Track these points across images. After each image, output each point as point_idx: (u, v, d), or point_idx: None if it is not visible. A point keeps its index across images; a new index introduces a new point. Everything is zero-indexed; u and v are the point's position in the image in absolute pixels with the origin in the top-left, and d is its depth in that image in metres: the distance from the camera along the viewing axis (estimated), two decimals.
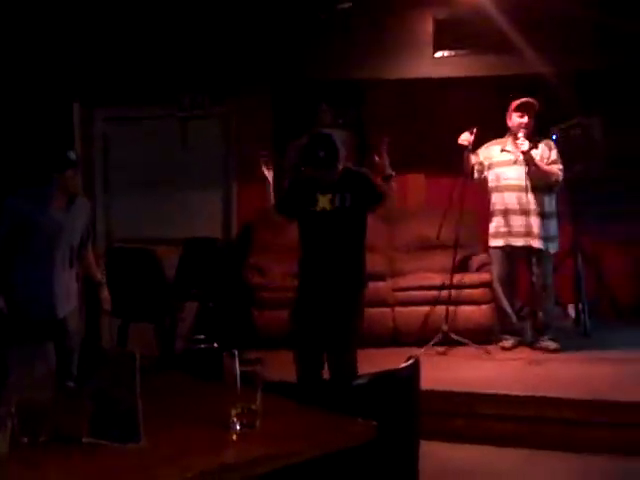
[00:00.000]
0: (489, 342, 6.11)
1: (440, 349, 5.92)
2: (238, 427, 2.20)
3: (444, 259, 6.74)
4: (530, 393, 4.94)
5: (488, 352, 5.89)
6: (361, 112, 7.71)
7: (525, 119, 5.82)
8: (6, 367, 2.21)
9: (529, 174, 5.78)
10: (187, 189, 7.54)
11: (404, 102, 7.56)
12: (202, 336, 6.13)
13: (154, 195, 7.56)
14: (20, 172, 6.20)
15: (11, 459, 1.97)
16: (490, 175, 5.99)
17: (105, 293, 4.90)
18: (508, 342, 6.08)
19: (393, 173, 4.55)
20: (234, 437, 2.17)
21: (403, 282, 6.56)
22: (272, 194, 4.67)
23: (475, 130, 5.81)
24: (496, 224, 5.97)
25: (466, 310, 6.15)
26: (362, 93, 7.66)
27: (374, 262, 6.67)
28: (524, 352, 5.95)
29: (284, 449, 2.10)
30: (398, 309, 6.42)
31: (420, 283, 6.50)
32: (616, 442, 4.58)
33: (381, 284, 6.47)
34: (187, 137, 7.69)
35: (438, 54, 7.12)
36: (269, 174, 4.70)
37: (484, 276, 6.27)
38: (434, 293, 6.37)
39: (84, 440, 2.13)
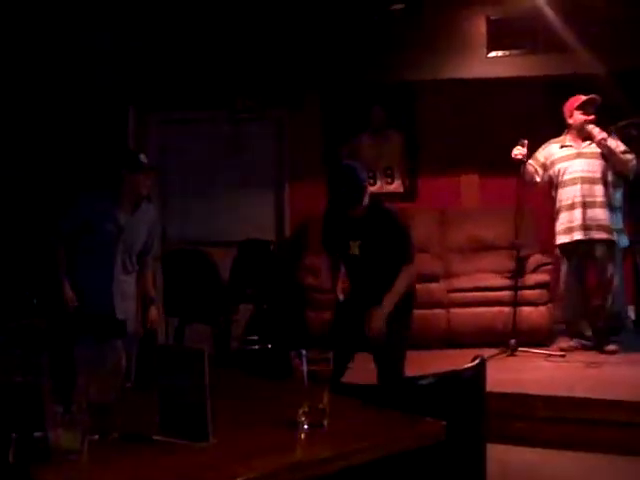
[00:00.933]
0: (547, 344, 6.02)
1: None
2: (306, 426, 2.19)
3: (498, 260, 6.71)
4: (589, 395, 4.86)
5: (550, 355, 5.81)
6: (414, 114, 7.69)
7: (590, 117, 5.78)
8: (74, 365, 2.23)
9: (602, 167, 5.72)
10: (240, 191, 7.59)
11: (457, 103, 7.52)
12: (256, 337, 6.17)
13: (208, 197, 7.61)
14: (87, 173, 6.33)
15: (83, 456, 1.99)
16: (552, 172, 5.92)
17: (154, 313, 4.83)
18: (566, 343, 5.99)
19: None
20: (302, 436, 2.17)
21: (457, 283, 6.52)
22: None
23: (526, 142, 5.81)
24: (562, 220, 5.87)
25: (524, 311, 6.05)
26: (415, 95, 7.63)
27: (428, 263, 6.69)
28: (584, 354, 5.84)
29: (352, 448, 2.09)
30: (453, 310, 6.38)
31: (475, 284, 6.45)
32: None
33: (435, 285, 6.45)
34: (240, 140, 7.73)
35: (492, 54, 7.07)
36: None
37: (541, 277, 6.19)
38: (489, 294, 6.33)
39: (154, 437, 2.14)
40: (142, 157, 4.55)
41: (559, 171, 5.89)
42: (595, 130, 5.75)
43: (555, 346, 6.03)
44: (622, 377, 5.29)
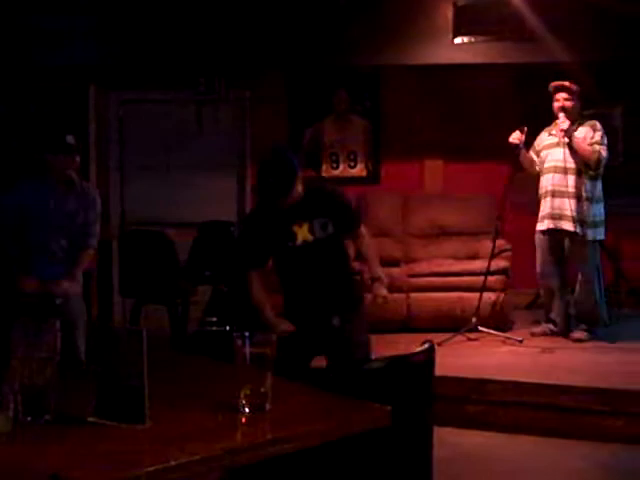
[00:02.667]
0: (504, 330, 6.04)
1: (471, 335, 5.89)
2: (247, 410, 2.15)
3: (459, 246, 6.71)
4: (540, 381, 4.90)
5: (507, 339, 5.84)
6: (379, 98, 7.65)
7: (560, 102, 5.75)
8: (8, 345, 2.16)
9: (570, 153, 5.71)
10: (202, 172, 7.50)
11: (422, 88, 7.50)
12: (214, 319, 6.11)
13: (169, 178, 7.53)
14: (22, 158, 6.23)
15: (14, 438, 1.93)
16: (539, 159, 5.93)
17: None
18: (539, 329, 6.02)
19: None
20: (243, 420, 2.12)
21: (418, 268, 6.50)
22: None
23: (525, 128, 5.77)
24: (542, 207, 5.87)
25: (483, 296, 6.04)
26: (380, 79, 7.60)
27: (389, 247, 6.67)
28: (545, 340, 5.86)
29: (293, 432, 2.05)
30: (413, 295, 6.37)
31: (435, 269, 6.44)
32: (626, 430, 4.54)
33: (395, 270, 6.42)
34: (202, 121, 7.65)
35: (457, 40, 7.02)
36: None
37: (501, 263, 6.19)
38: (449, 279, 6.33)
39: (89, 420, 2.09)
40: (69, 138, 4.41)
41: (543, 159, 5.90)
42: (559, 120, 5.73)
43: (526, 330, 6.06)
44: (573, 363, 5.31)
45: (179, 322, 6.15)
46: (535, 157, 5.96)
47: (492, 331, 5.89)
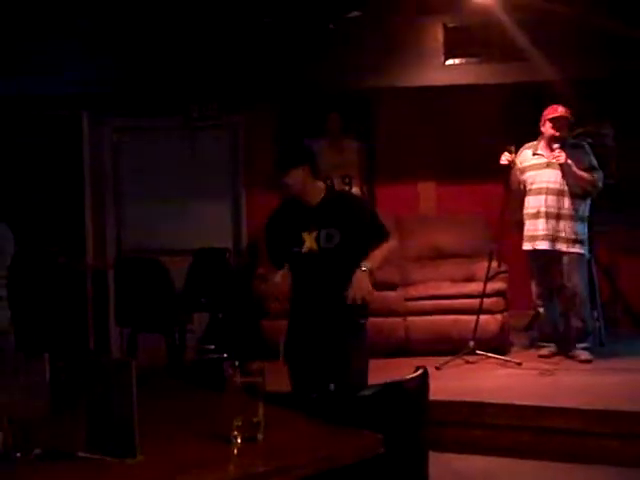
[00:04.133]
0: (503, 352, 6.01)
1: (470, 358, 5.85)
2: (239, 440, 2.13)
3: (455, 268, 6.69)
4: (540, 403, 4.86)
5: (506, 362, 5.81)
6: (371, 121, 7.67)
7: (558, 133, 5.75)
8: None
9: (568, 181, 5.72)
10: (196, 199, 7.51)
11: (415, 110, 7.52)
12: (211, 346, 6.09)
13: (164, 205, 7.53)
14: None
15: (3, 475, 1.90)
16: (524, 179, 5.91)
17: None
18: (546, 350, 6.00)
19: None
20: (235, 451, 2.10)
21: (415, 291, 6.48)
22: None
23: (513, 148, 5.78)
24: (527, 228, 5.88)
25: (480, 319, 6.02)
26: (372, 102, 7.62)
27: (385, 271, 6.64)
28: (550, 362, 5.82)
29: (286, 463, 2.03)
30: (410, 319, 6.34)
31: (432, 292, 6.42)
32: (627, 453, 4.49)
33: (392, 293, 6.41)
34: (196, 147, 7.66)
35: (449, 62, 7.07)
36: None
37: (497, 285, 6.18)
38: (446, 302, 6.31)
39: (79, 454, 2.06)
40: None
41: (528, 178, 5.89)
42: (556, 152, 5.72)
43: (525, 352, 6.07)
44: (573, 385, 5.29)
45: (176, 350, 6.12)
46: (518, 175, 5.95)
47: (490, 354, 5.86)
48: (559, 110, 5.78)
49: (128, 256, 7.26)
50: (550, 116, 5.78)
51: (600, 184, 5.75)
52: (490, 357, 5.84)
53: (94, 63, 7.14)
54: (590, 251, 6.00)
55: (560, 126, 5.76)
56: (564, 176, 5.73)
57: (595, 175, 5.74)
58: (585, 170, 5.74)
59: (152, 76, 7.20)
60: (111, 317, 6.99)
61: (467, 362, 5.81)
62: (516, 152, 5.81)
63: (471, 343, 5.81)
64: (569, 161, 5.69)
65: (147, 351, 6.11)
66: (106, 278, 7.17)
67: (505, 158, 5.78)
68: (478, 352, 5.82)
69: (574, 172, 5.70)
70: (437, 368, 5.50)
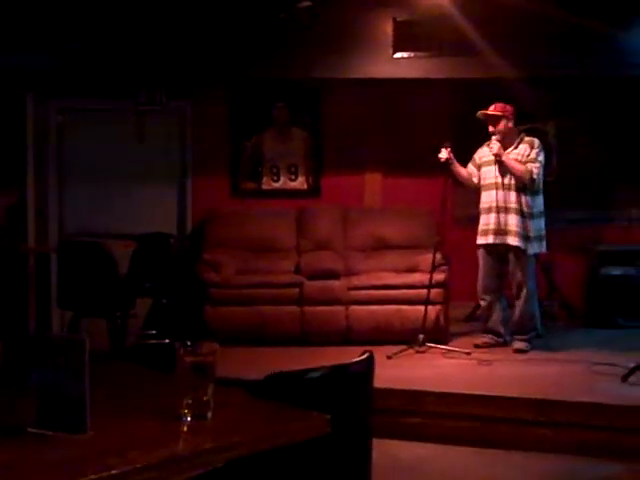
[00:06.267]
0: (444, 342, 6.12)
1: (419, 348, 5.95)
2: (189, 418, 2.16)
3: (398, 259, 6.78)
4: (476, 392, 4.97)
5: (452, 351, 5.93)
6: (319, 112, 7.71)
7: (490, 128, 5.92)
8: None
9: (503, 173, 5.88)
10: (142, 184, 7.47)
11: (362, 102, 7.59)
12: (154, 331, 6.07)
13: (108, 189, 7.47)
14: None
15: None
16: (480, 174, 6.08)
17: None
18: (480, 340, 6.13)
19: None
20: (184, 428, 2.13)
21: (357, 281, 6.56)
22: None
23: (447, 144, 5.92)
24: (481, 222, 6.02)
25: (421, 310, 6.11)
26: (320, 93, 7.66)
27: (329, 260, 6.71)
28: (487, 352, 5.96)
29: (235, 440, 2.06)
30: (352, 308, 6.41)
31: (374, 282, 6.50)
32: (560, 441, 4.63)
33: (335, 282, 6.48)
34: (143, 132, 7.61)
35: (397, 55, 7.13)
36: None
37: (439, 276, 6.28)
38: (388, 292, 6.40)
39: (29, 430, 2.07)
40: None
41: (483, 174, 6.04)
42: (491, 144, 5.88)
43: (466, 342, 6.16)
44: (509, 374, 5.42)
45: (118, 335, 6.09)
46: (475, 170, 6.09)
47: (440, 345, 5.97)
48: (490, 108, 5.93)
49: (71, 239, 7.18)
50: (478, 116, 5.93)
51: (534, 176, 5.84)
52: (440, 348, 5.94)
53: (42, 42, 7.03)
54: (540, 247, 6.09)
55: (491, 123, 5.92)
56: (501, 168, 5.88)
57: (528, 166, 5.86)
58: (525, 162, 5.88)
59: (100, 58, 7.10)
60: (53, 300, 6.92)
61: (417, 352, 5.90)
62: (449, 147, 5.92)
63: (421, 336, 5.91)
64: (502, 152, 5.83)
65: (89, 335, 6.05)
66: (48, 260, 7.09)
67: (441, 156, 5.91)
68: (428, 344, 5.93)
69: (506, 162, 5.85)
70: (388, 357, 5.60)
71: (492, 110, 5.93)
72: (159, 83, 7.41)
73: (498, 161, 5.89)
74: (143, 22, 6.98)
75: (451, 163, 5.97)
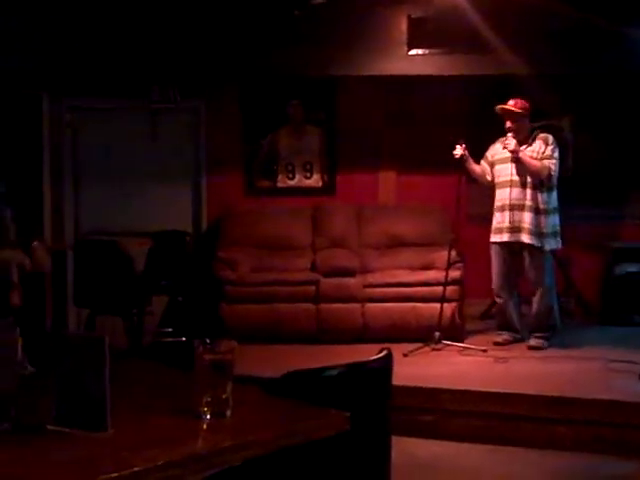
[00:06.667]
0: (459, 340, 6.11)
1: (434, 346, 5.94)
2: (208, 416, 2.16)
3: (414, 257, 6.77)
4: (493, 390, 4.97)
5: (467, 349, 5.92)
6: (334, 109, 7.71)
7: (507, 124, 5.89)
8: None
9: (518, 171, 5.86)
10: (157, 182, 7.49)
11: (377, 100, 7.58)
12: (170, 329, 6.09)
13: (124, 187, 7.49)
14: None
15: None
16: (494, 172, 6.06)
17: None
18: (500, 337, 6.12)
19: None
20: (204, 426, 2.13)
21: (373, 279, 6.55)
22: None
23: (462, 142, 5.90)
24: (495, 220, 6.01)
25: (437, 308, 6.10)
26: (335, 90, 7.66)
27: (344, 258, 6.72)
28: (509, 349, 5.96)
29: (254, 438, 2.07)
30: (368, 305, 6.41)
31: (389, 280, 6.49)
32: (576, 439, 4.63)
33: (351, 280, 6.48)
34: (157, 130, 7.63)
35: (412, 52, 7.13)
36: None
37: (454, 274, 6.27)
38: (403, 290, 6.39)
39: (49, 428, 2.08)
40: None
41: (496, 172, 6.02)
42: (507, 141, 5.85)
43: (482, 340, 6.15)
44: (526, 372, 5.40)
45: (134, 333, 6.12)
46: (488, 167, 6.08)
47: (456, 343, 5.96)
48: (508, 103, 5.90)
49: (87, 238, 7.21)
50: (497, 111, 5.89)
51: (551, 172, 5.84)
52: (456, 346, 5.94)
53: (56, 42, 7.06)
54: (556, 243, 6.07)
55: (509, 119, 5.89)
56: (516, 165, 5.86)
57: (545, 162, 5.84)
58: (541, 159, 5.86)
59: (114, 57, 7.13)
60: (69, 298, 6.95)
61: (433, 349, 5.90)
62: (463, 143, 5.90)
63: (437, 334, 5.90)
64: (520, 149, 5.81)
65: (104, 333, 6.08)
66: (65, 258, 7.12)
67: (456, 153, 5.90)
68: (444, 342, 5.93)
69: (523, 159, 5.82)
70: (405, 355, 5.60)
71: (511, 105, 5.90)
72: (172, 81, 7.43)
73: (514, 158, 5.86)
74: (156, 20, 7.00)
75: (465, 160, 5.96)
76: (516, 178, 5.89)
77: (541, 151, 5.87)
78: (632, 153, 7.45)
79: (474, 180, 6.22)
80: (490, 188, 6.12)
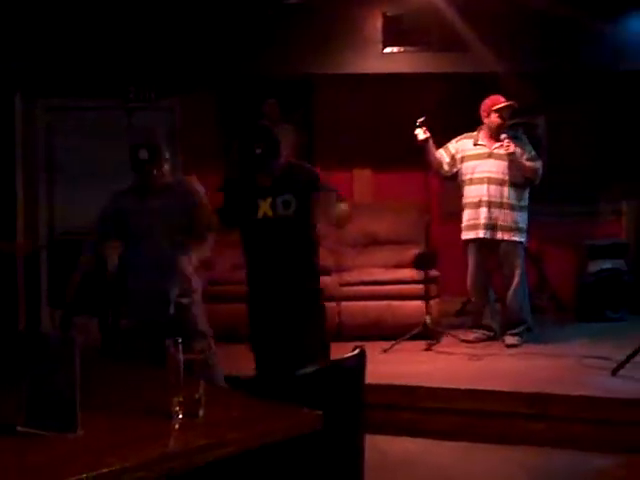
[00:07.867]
0: (435, 337, 6.12)
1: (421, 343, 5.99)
2: (180, 416, 2.15)
3: (389, 255, 6.78)
4: (468, 387, 4.99)
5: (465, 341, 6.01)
6: (309, 108, 7.70)
7: (505, 122, 5.92)
8: None
9: (511, 171, 5.87)
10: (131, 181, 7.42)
11: (352, 98, 7.58)
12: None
13: (98, 186, 7.41)
14: None
15: None
16: (463, 168, 6.02)
17: None
18: (472, 335, 6.15)
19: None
20: (176, 426, 2.12)
21: (349, 277, 6.55)
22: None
23: (422, 120, 5.83)
24: (467, 217, 6.00)
25: (411, 305, 6.12)
26: (310, 89, 7.65)
27: (320, 256, 6.69)
28: (485, 346, 6.00)
29: (227, 438, 2.06)
30: (344, 304, 6.41)
31: (365, 278, 6.50)
32: (552, 435, 4.64)
33: (327, 279, 6.45)
34: (131, 129, 7.57)
35: (387, 50, 7.13)
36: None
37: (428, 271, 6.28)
38: (379, 288, 6.40)
39: (18, 429, 2.06)
40: (142, 153, 4.23)
41: (470, 169, 5.99)
42: (505, 143, 5.85)
43: (458, 337, 6.19)
44: (500, 369, 5.43)
45: (109, 332, 6.07)
46: (447, 158, 6.04)
47: (431, 341, 5.99)
48: (502, 100, 5.90)
49: (61, 237, 7.15)
50: (496, 107, 5.90)
51: (541, 172, 5.90)
52: (431, 343, 5.97)
53: (28, 41, 6.99)
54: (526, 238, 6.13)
55: (507, 115, 5.91)
56: (510, 165, 5.86)
57: (537, 164, 5.90)
58: (527, 160, 5.89)
59: (88, 56, 7.09)
60: (43, 299, 6.89)
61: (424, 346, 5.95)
62: (426, 125, 5.85)
63: (427, 318, 5.97)
64: (518, 150, 5.84)
65: (80, 333, 6.04)
66: (38, 259, 7.07)
67: (418, 133, 5.84)
68: (436, 329, 6.04)
69: (519, 161, 5.84)
70: (384, 351, 5.61)
71: (509, 101, 5.90)
72: (148, 81, 7.39)
73: (511, 161, 5.84)
74: (131, 20, 6.96)
75: (427, 142, 5.90)
76: (494, 175, 5.89)
77: (526, 150, 5.91)
78: (606, 149, 7.51)
79: (429, 169, 6.14)
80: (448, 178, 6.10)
